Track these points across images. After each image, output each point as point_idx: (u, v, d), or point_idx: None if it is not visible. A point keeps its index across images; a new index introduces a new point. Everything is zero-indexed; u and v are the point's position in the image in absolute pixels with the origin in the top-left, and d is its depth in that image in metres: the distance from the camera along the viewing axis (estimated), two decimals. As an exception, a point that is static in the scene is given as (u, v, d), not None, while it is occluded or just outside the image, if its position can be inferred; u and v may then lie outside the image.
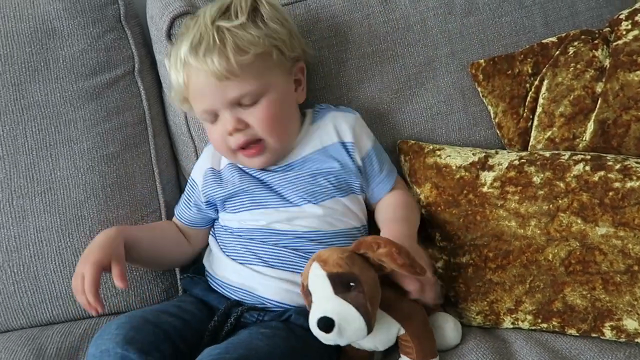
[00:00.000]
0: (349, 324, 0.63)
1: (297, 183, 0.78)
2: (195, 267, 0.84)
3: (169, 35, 0.88)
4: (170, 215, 0.89)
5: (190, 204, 0.84)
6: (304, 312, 0.72)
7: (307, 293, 0.66)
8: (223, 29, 0.74)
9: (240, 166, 0.81)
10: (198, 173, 0.84)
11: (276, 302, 0.75)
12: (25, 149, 0.83)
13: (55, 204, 0.83)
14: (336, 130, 0.82)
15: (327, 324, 0.63)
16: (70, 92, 0.86)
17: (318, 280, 0.64)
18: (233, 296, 0.76)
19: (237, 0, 0.77)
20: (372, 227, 0.83)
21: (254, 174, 0.80)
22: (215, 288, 0.78)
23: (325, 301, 0.64)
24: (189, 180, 0.86)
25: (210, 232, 0.84)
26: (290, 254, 0.75)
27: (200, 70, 0.74)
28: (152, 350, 0.64)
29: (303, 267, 0.70)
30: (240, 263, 0.77)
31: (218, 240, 0.81)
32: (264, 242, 0.76)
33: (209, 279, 0.80)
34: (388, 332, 0.69)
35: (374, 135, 0.86)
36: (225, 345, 0.66)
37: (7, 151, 0.83)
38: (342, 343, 0.65)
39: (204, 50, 0.73)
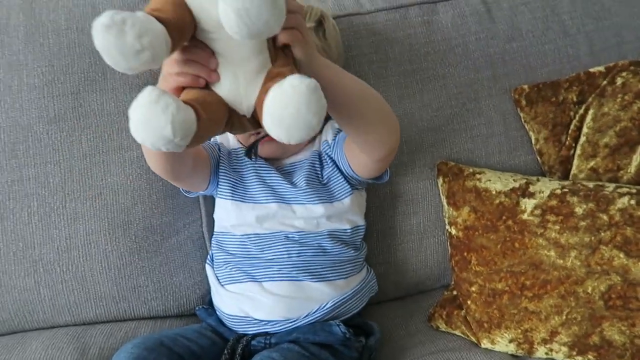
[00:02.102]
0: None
1: (294, 185, 0.77)
2: (209, 298, 0.83)
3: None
4: (210, 224, 0.89)
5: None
6: (311, 328, 0.71)
7: None
8: None
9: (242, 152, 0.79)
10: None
11: (275, 321, 0.73)
12: (80, 154, 0.84)
13: (104, 208, 0.84)
14: (327, 132, 0.80)
15: None
16: (123, 102, 0.87)
17: None
18: (237, 328, 0.75)
19: (308, 8, 0.78)
20: (370, 226, 0.83)
21: (257, 168, 0.78)
22: (224, 322, 0.78)
23: None
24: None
25: (207, 262, 0.82)
26: (280, 262, 0.74)
27: None
28: None
29: (294, 274, 0.71)
30: (234, 291, 0.75)
31: (215, 270, 0.80)
32: (254, 256, 0.75)
33: (219, 313, 0.79)
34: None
35: None
36: None
37: (63, 156, 0.84)
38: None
39: None
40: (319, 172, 0.78)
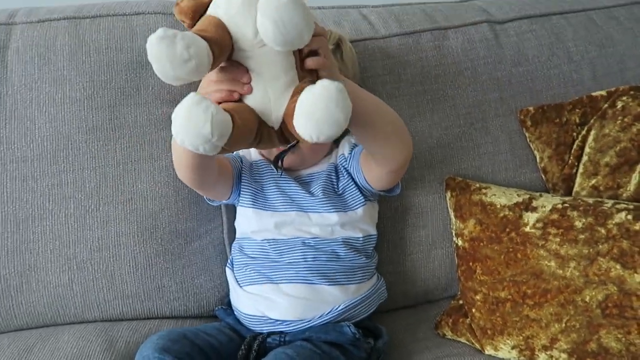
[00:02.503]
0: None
1: (311, 194, 0.81)
2: (228, 300, 0.88)
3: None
4: (230, 231, 0.94)
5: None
6: (323, 328, 0.75)
7: None
8: None
9: (268, 167, 0.84)
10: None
11: (290, 321, 0.77)
12: (114, 162, 0.90)
13: (134, 212, 0.90)
14: (344, 146, 0.85)
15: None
16: (155, 115, 0.93)
17: None
18: (254, 327, 0.80)
19: (328, 32, 0.82)
20: (382, 236, 0.86)
21: (277, 178, 0.83)
22: (242, 322, 0.82)
23: None
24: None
25: (228, 265, 0.87)
26: (297, 266, 0.78)
27: None
28: (186, 359, 0.70)
29: (309, 277, 0.76)
30: (252, 292, 0.80)
31: (235, 273, 0.84)
32: (273, 259, 0.79)
33: (237, 314, 0.84)
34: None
35: None
36: None
37: (99, 163, 0.90)
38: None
39: None
40: (335, 183, 0.83)
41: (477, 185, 0.87)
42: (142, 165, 0.91)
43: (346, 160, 0.84)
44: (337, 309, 0.77)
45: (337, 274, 0.79)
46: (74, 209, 0.89)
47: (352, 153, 0.84)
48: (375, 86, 0.95)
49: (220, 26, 0.57)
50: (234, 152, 0.89)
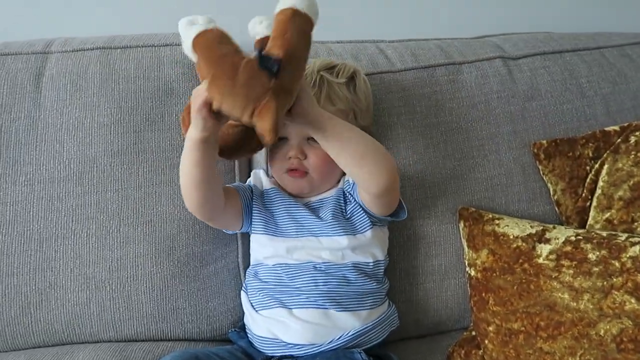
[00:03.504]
0: None
1: (321, 219, 0.82)
2: (241, 324, 0.88)
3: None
4: (245, 255, 0.95)
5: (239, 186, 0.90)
6: (334, 354, 0.75)
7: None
8: (325, 79, 0.83)
9: (278, 195, 0.87)
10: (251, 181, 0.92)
11: (302, 345, 0.77)
12: (136, 185, 0.92)
13: (153, 234, 0.91)
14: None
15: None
16: (177, 141, 0.95)
17: None
18: (266, 350, 0.80)
19: (342, 65, 0.87)
20: (394, 264, 0.87)
21: (288, 205, 0.85)
22: (254, 345, 0.82)
23: None
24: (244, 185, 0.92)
25: (243, 289, 0.88)
26: (308, 291, 0.78)
27: None
28: None
29: (320, 302, 0.77)
30: (266, 316, 0.80)
31: (249, 297, 0.85)
32: (285, 284, 0.80)
33: (250, 337, 0.84)
34: None
35: None
36: None
37: (122, 186, 0.93)
38: None
39: (309, 87, 0.79)
40: (343, 208, 0.84)
41: (490, 215, 0.87)
42: (163, 188, 0.93)
43: (350, 186, 0.86)
44: (347, 334, 0.77)
45: (347, 299, 0.79)
46: (95, 229, 0.90)
47: None
48: (391, 117, 0.96)
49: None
50: (246, 183, 0.92)
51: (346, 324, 0.77)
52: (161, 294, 0.90)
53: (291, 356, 0.77)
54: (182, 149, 0.96)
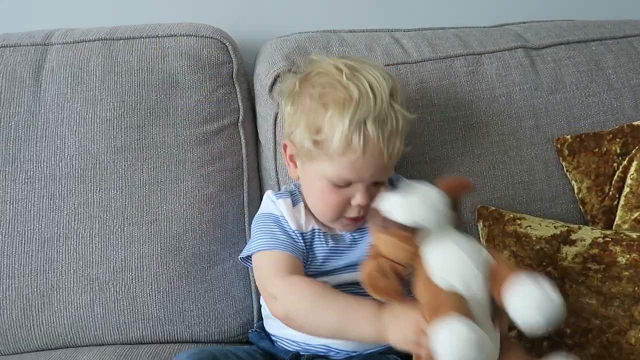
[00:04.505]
0: (427, 190, 0.65)
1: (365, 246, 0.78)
2: (260, 323, 0.86)
3: (271, 91, 0.95)
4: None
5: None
6: (368, 357, 0.73)
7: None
8: (399, 113, 0.76)
9: (319, 235, 0.79)
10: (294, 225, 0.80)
11: (336, 349, 0.75)
12: (140, 182, 0.91)
13: (158, 234, 0.90)
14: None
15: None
16: (183, 136, 0.94)
17: None
18: (295, 348, 0.78)
19: (396, 82, 0.79)
20: None
21: (332, 247, 0.79)
22: (278, 344, 0.80)
23: None
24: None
25: None
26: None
27: (377, 148, 0.74)
28: None
29: None
30: None
31: None
32: None
33: (271, 335, 0.82)
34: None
35: None
36: None
37: (125, 183, 0.91)
38: (426, 209, 0.62)
39: (390, 132, 0.74)
40: None
41: (511, 215, 0.85)
42: (168, 186, 0.92)
43: None
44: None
45: None
46: (99, 228, 0.89)
47: None
48: (408, 111, 0.93)
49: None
50: (273, 212, 0.82)
51: None
52: (167, 295, 0.89)
53: (326, 357, 0.75)
54: (187, 145, 0.96)
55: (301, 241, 0.78)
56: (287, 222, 0.79)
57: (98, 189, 0.91)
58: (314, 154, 0.77)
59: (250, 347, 0.81)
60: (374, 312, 0.67)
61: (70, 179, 0.90)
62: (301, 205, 0.81)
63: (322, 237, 0.79)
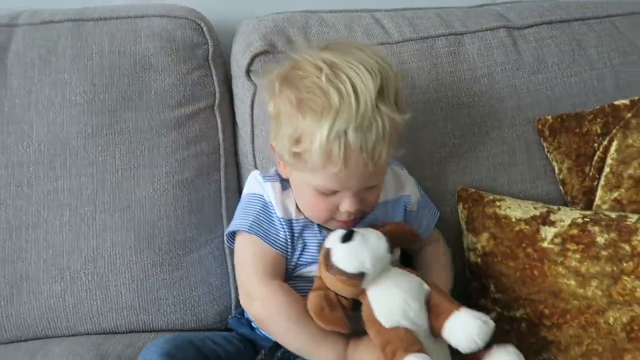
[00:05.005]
0: (369, 233, 0.67)
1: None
2: (240, 309, 0.85)
3: (248, 72, 0.93)
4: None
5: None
6: None
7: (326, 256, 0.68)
8: (387, 116, 0.70)
9: (308, 225, 0.78)
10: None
11: None
12: (112, 168, 0.89)
13: (132, 221, 0.88)
14: (397, 185, 0.82)
15: (348, 233, 0.67)
16: (157, 121, 0.92)
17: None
18: None
19: (385, 74, 0.72)
20: None
21: (323, 232, 0.77)
22: (258, 330, 0.79)
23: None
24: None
25: None
26: None
27: (361, 159, 0.69)
28: None
29: None
30: None
31: None
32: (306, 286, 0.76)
33: (252, 322, 0.81)
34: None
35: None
36: None
37: (97, 170, 0.89)
38: (368, 258, 0.66)
39: (375, 140, 0.69)
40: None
41: (491, 197, 0.85)
42: (142, 172, 0.90)
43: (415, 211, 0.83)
44: None
45: None
46: (69, 216, 0.88)
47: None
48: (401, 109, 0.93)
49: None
50: (258, 193, 0.81)
51: None
52: (141, 284, 0.88)
53: None
54: (161, 129, 0.94)
55: (285, 231, 0.76)
56: (274, 209, 0.77)
57: (68, 175, 0.89)
58: (295, 166, 0.74)
59: (228, 333, 0.81)
60: (340, 347, 0.71)
61: (38, 165, 0.88)
62: (291, 190, 0.78)
63: (315, 227, 0.77)
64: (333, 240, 0.70)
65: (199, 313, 0.90)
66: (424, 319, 0.67)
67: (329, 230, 0.76)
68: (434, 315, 0.68)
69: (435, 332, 0.68)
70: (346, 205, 0.72)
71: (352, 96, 0.68)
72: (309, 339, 0.71)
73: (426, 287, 0.69)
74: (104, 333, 0.88)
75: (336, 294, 0.68)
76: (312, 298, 0.69)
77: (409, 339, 0.65)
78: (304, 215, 0.77)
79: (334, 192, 0.73)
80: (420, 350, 0.64)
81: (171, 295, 0.89)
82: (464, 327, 0.65)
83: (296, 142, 0.71)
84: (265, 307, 0.73)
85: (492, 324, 0.65)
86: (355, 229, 0.69)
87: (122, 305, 0.87)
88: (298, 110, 0.71)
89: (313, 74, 0.71)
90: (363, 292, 0.68)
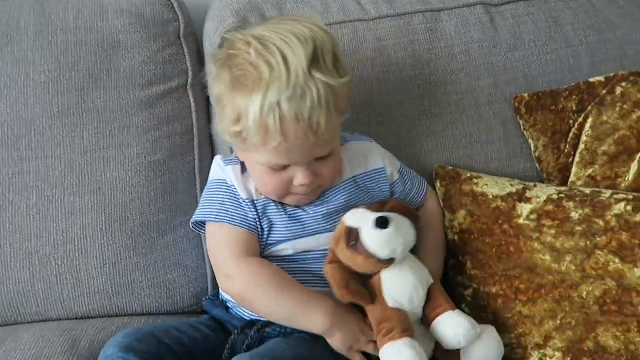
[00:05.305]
0: (401, 221, 0.70)
1: (328, 215, 0.77)
2: (215, 292, 0.85)
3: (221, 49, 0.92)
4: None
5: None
6: None
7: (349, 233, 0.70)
8: (322, 83, 0.68)
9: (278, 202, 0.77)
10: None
11: None
12: (81, 150, 0.87)
13: (102, 203, 0.87)
14: (365, 160, 0.82)
15: (384, 220, 0.68)
16: (127, 100, 0.90)
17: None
18: (251, 315, 0.77)
19: (320, 41, 0.70)
20: None
21: (287, 209, 0.77)
22: (234, 311, 0.79)
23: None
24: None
25: None
26: (309, 272, 0.76)
27: (300, 129, 0.67)
28: (153, 359, 0.67)
29: (318, 283, 0.74)
30: None
31: None
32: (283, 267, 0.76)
33: (226, 302, 0.81)
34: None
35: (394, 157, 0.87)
36: (250, 355, 0.67)
37: (64, 151, 0.87)
38: (400, 246, 0.69)
39: (311, 109, 0.67)
40: (360, 201, 0.80)
41: (468, 174, 0.85)
42: (112, 152, 0.88)
43: (394, 184, 0.83)
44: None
45: None
46: (36, 199, 0.86)
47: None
48: (365, 69, 0.92)
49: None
50: (220, 177, 0.80)
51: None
52: (114, 267, 0.86)
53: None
54: (131, 109, 0.92)
55: (253, 211, 0.76)
56: (237, 191, 0.77)
57: (35, 157, 0.87)
58: (240, 146, 0.74)
59: (196, 319, 0.79)
60: (328, 311, 0.71)
61: (2, 146, 0.86)
62: None
63: (278, 204, 0.77)
64: (360, 220, 0.70)
65: (175, 296, 0.89)
66: (421, 307, 0.71)
67: (291, 207, 0.77)
68: (430, 308, 0.71)
69: (424, 321, 0.72)
70: (300, 179, 0.72)
71: (283, 66, 0.67)
72: (296, 305, 0.72)
73: (431, 280, 0.73)
74: (76, 318, 0.86)
75: (350, 268, 0.70)
76: (334, 271, 0.70)
77: (406, 323, 0.68)
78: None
79: (285, 167, 0.72)
80: (413, 336, 0.68)
81: (145, 279, 0.88)
82: (455, 326, 0.69)
83: (236, 121, 0.71)
84: (247, 284, 0.73)
85: (478, 330, 0.70)
86: (388, 216, 0.69)
87: (95, 289, 0.86)
88: (233, 90, 0.71)
89: (243, 51, 0.71)
90: (377, 274, 0.71)
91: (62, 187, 0.86)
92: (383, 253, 0.68)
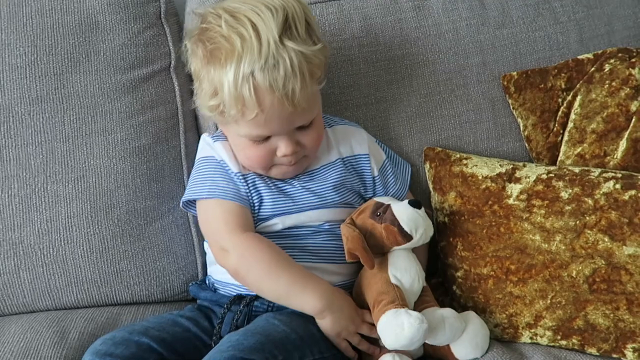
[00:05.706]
0: (428, 217, 0.76)
1: (317, 192, 0.78)
2: (202, 278, 0.86)
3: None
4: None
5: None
6: None
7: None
8: (296, 51, 0.67)
9: (265, 177, 0.78)
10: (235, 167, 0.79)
11: None
12: (62, 136, 0.85)
13: (87, 191, 0.85)
14: (351, 143, 0.82)
15: (418, 202, 0.74)
16: (108, 84, 0.87)
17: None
18: (240, 290, 0.76)
19: (291, 9, 0.70)
20: None
21: (277, 184, 0.78)
22: (220, 289, 0.79)
23: None
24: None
25: (206, 240, 0.83)
26: (298, 248, 0.76)
27: (275, 99, 0.68)
28: None
29: (307, 258, 0.75)
30: None
31: None
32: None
33: (215, 283, 0.80)
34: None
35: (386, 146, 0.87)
36: (244, 331, 0.67)
37: (45, 138, 0.85)
38: (422, 227, 0.74)
39: (284, 78, 0.67)
40: (347, 181, 0.81)
41: (458, 155, 0.85)
42: (95, 139, 0.86)
43: (379, 172, 0.83)
44: (333, 285, 0.75)
45: (333, 253, 0.77)
46: (18, 188, 0.84)
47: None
48: (352, 49, 0.90)
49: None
50: (209, 155, 0.80)
51: (331, 274, 0.76)
52: (101, 256, 0.85)
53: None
54: (113, 93, 0.89)
55: (244, 184, 0.76)
56: (227, 166, 0.77)
57: (14, 144, 0.84)
58: (219, 120, 0.74)
59: (178, 312, 0.78)
60: (321, 292, 0.71)
61: (-21, 134, 0.83)
62: None
63: (266, 178, 0.77)
64: (390, 200, 0.77)
65: (164, 283, 0.88)
66: (415, 298, 0.74)
67: (280, 181, 0.77)
68: (419, 301, 0.74)
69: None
70: (282, 149, 0.72)
71: (254, 37, 0.67)
72: (292, 283, 0.72)
73: (424, 281, 0.77)
74: (65, 308, 0.85)
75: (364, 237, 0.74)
76: (349, 228, 0.73)
77: (405, 300, 0.70)
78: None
79: (267, 139, 0.72)
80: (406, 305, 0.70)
81: (134, 267, 0.86)
82: (443, 321, 0.70)
83: (213, 95, 0.71)
84: (242, 257, 0.73)
85: (463, 324, 0.71)
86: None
87: (82, 279, 0.85)
88: (208, 64, 0.71)
89: (215, 24, 0.71)
90: (388, 251, 0.75)
91: (45, 175, 0.84)
92: (408, 227, 0.72)
